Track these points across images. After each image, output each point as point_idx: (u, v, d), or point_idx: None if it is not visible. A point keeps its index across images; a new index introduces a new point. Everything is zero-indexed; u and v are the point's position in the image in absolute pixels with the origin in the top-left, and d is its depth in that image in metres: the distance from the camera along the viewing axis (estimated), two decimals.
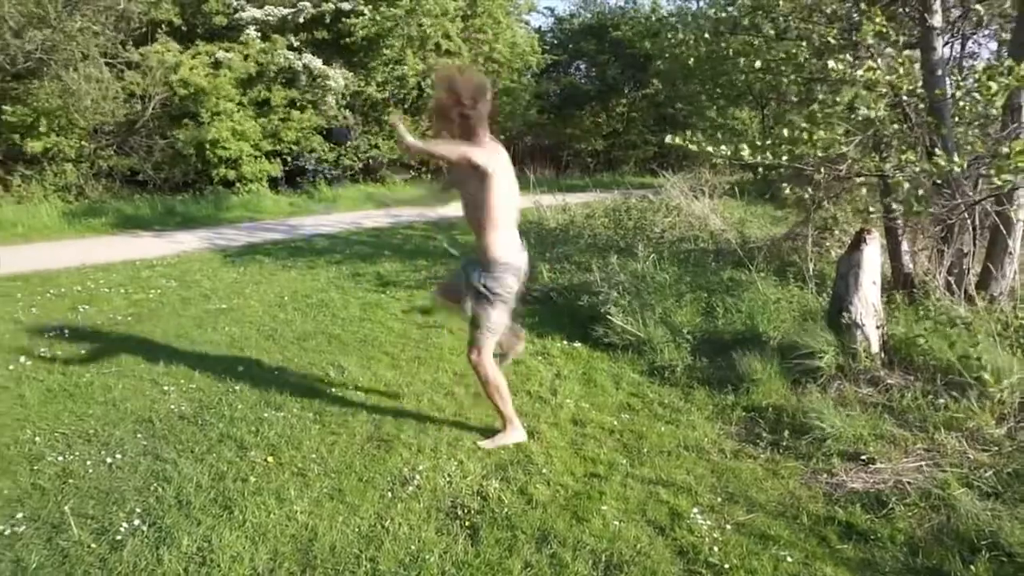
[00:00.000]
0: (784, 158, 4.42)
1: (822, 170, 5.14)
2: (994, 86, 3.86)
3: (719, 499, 2.83)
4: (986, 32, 6.27)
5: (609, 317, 4.72)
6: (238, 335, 4.87)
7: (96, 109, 10.36)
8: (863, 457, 3.08)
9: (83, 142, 10.98)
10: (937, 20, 4.79)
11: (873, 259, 4.00)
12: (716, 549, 2.47)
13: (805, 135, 4.23)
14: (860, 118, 4.64)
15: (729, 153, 4.36)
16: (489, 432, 3.37)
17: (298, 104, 13.28)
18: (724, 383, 3.97)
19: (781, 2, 5.60)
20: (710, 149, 4.38)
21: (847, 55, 4.62)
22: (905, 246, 5.38)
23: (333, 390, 3.86)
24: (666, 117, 22.62)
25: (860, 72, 4.36)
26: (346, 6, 13.33)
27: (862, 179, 5.44)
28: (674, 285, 5.41)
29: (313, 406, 3.64)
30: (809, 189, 5.35)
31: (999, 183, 3.71)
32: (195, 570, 2.31)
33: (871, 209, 5.96)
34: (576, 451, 3.24)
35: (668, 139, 4.67)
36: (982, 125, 5.14)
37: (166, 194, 12.03)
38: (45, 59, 9.90)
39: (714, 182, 10.93)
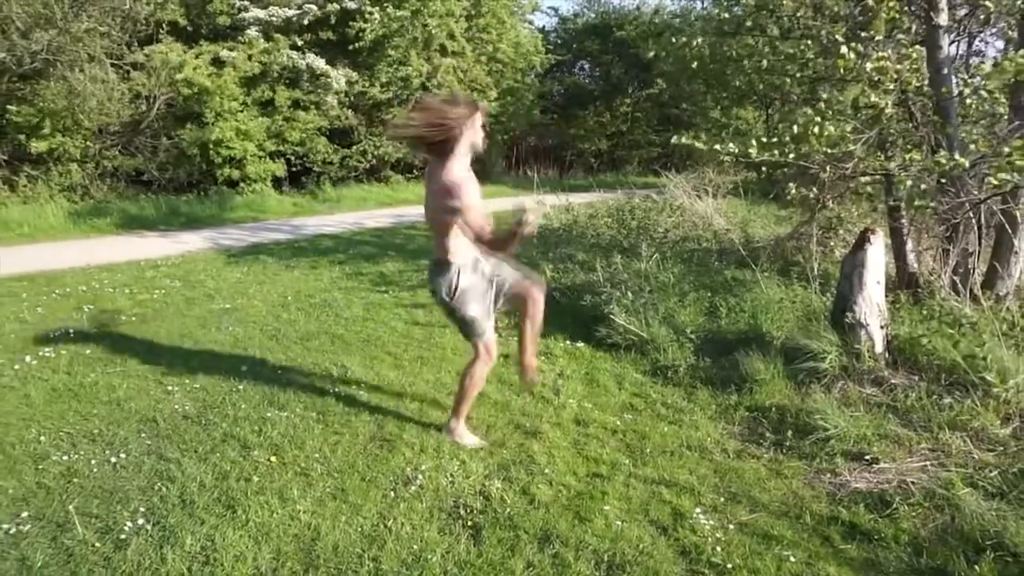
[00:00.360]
0: (791, 156, 4.40)
1: (827, 168, 5.14)
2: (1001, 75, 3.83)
3: (722, 499, 2.82)
4: (993, 30, 6.23)
5: (612, 317, 4.71)
6: (242, 335, 4.89)
7: (101, 110, 10.41)
8: (867, 457, 3.07)
9: (88, 142, 11.02)
10: (943, 18, 4.77)
11: (877, 259, 3.99)
12: (719, 549, 2.47)
13: (815, 129, 4.20)
14: (865, 115, 4.62)
15: (737, 151, 4.35)
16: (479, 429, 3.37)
17: (302, 104, 13.31)
18: (727, 383, 3.97)
19: (786, 1, 5.58)
20: (717, 147, 4.37)
21: (857, 46, 4.59)
22: (910, 245, 5.36)
23: (336, 390, 3.86)
24: (670, 117, 22.60)
25: (870, 65, 4.34)
26: (352, 6, 13.35)
27: (867, 178, 5.42)
28: (677, 285, 5.41)
29: (316, 406, 3.64)
30: (814, 188, 5.33)
31: (996, 182, 3.69)
32: (199, 569, 2.31)
33: (875, 207, 5.95)
34: (579, 451, 3.24)
35: (675, 139, 4.66)
36: (988, 124, 5.12)
37: (171, 194, 12.06)
38: (51, 60, 9.94)
39: (718, 182, 10.91)
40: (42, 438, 3.21)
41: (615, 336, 4.64)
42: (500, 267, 3.21)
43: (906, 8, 4.87)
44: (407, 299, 5.94)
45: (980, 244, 4.91)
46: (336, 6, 13.32)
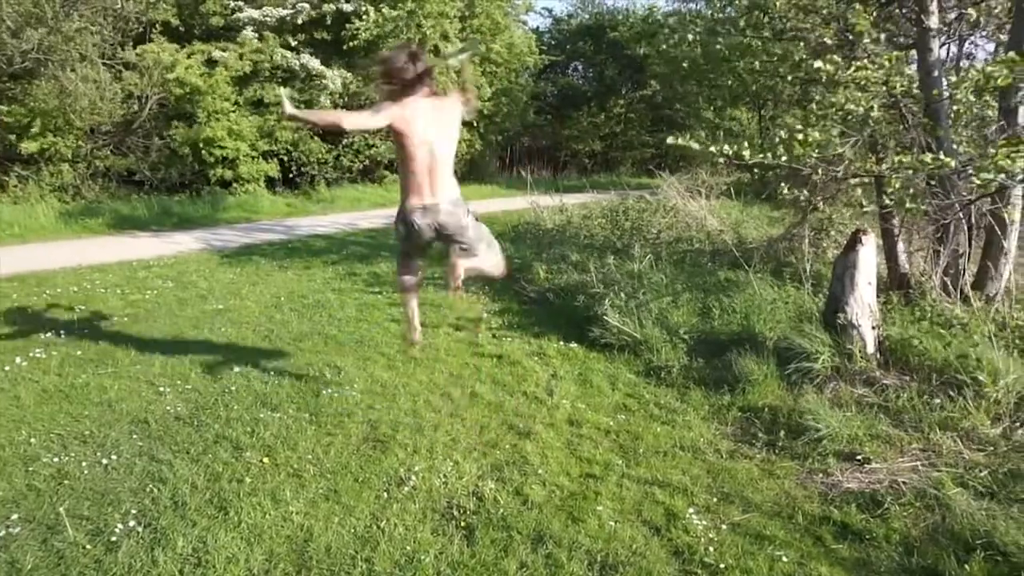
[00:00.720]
0: (782, 158, 4.42)
1: (818, 171, 5.16)
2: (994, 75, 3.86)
3: (715, 499, 2.83)
4: (983, 33, 6.27)
5: (605, 318, 4.72)
6: (234, 336, 4.87)
7: (93, 110, 10.36)
8: (858, 457, 3.09)
9: (80, 142, 10.96)
10: (934, 21, 4.80)
11: (869, 260, 4.01)
12: (712, 549, 2.47)
13: (800, 136, 4.24)
14: (854, 118, 4.65)
15: (731, 152, 4.37)
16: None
17: (295, 104, 13.27)
18: (720, 384, 3.98)
19: (778, 2, 5.61)
20: (712, 149, 4.39)
21: (838, 55, 4.62)
22: (901, 246, 5.39)
23: (329, 391, 3.85)
24: (664, 118, 22.65)
25: (851, 72, 4.37)
26: (348, 7, 13.33)
27: (858, 180, 5.45)
28: (670, 285, 5.42)
29: (309, 407, 3.64)
30: (805, 190, 5.35)
31: (979, 183, 3.71)
32: (190, 571, 2.30)
33: (866, 209, 5.98)
34: (572, 452, 3.24)
35: (669, 140, 4.67)
36: (978, 127, 5.15)
37: (163, 194, 12.02)
38: (42, 59, 9.89)
39: (711, 183, 10.94)
40: (32, 440, 3.19)
41: (608, 337, 4.64)
42: None
43: (894, 12, 4.90)
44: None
45: (970, 245, 4.94)
46: (332, 7, 13.29)
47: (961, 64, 6.27)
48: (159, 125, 12.21)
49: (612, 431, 3.47)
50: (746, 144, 4.34)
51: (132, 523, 2.55)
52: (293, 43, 13.37)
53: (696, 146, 4.39)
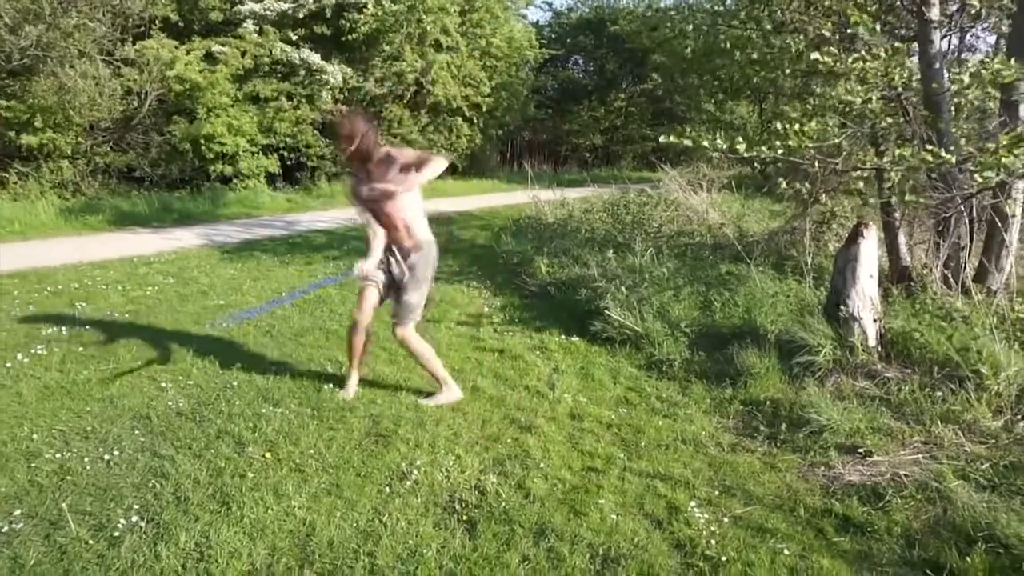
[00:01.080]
0: (780, 152, 4.41)
1: (817, 164, 5.15)
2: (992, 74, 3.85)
3: (716, 492, 2.83)
4: (984, 25, 6.25)
5: (607, 311, 4.72)
6: (236, 331, 4.87)
7: (92, 106, 10.34)
8: (860, 450, 3.09)
9: (79, 139, 10.95)
10: (935, 13, 4.78)
11: (870, 253, 4.00)
12: (713, 542, 2.48)
13: (796, 126, 4.22)
14: (853, 111, 4.64)
15: (725, 147, 4.36)
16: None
17: (293, 97, 13.24)
18: (722, 377, 3.98)
19: None
20: (705, 143, 4.38)
21: (835, 48, 4.61)
22: (902, 239, 5.39)
23: (331, 386, 3.86)
24: (664, 112, 22.62)
25: (849, 63, 4.35)
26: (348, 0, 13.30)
27: (859, 173, 5.44)
28: (672, 279, 5.42)
29: (311, 402, 3.64)
30: (806, 183, 5.34)
31: (981, 180, 3.70)
32: (193, 566, 2.31)
33: (867, 202, 5.97)
34: (574, 445, 3.25)
35: (663, 139, 4.65)
36: (980, 119, 5.14)
37: (163, 191, 12.02)
38: (41, 56, 9.87)
39: (712, 176, 10.94)
40: (35, 436, 3.20)
41: (610, 330, 4.64)
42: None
43: (895, 4, 4.88)
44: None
45: (971, 238, 4.94)
46: (332, 0, 13.25)
47: (962, 56, 6.25)
48: (159, 121, 12.20)
49: (614, 425, 3.48)
50: (740, 139, 4.34)
51: (135, 518, 2.55)
52: (293, 37, 13.33)
53: (689, 143, 4.38)
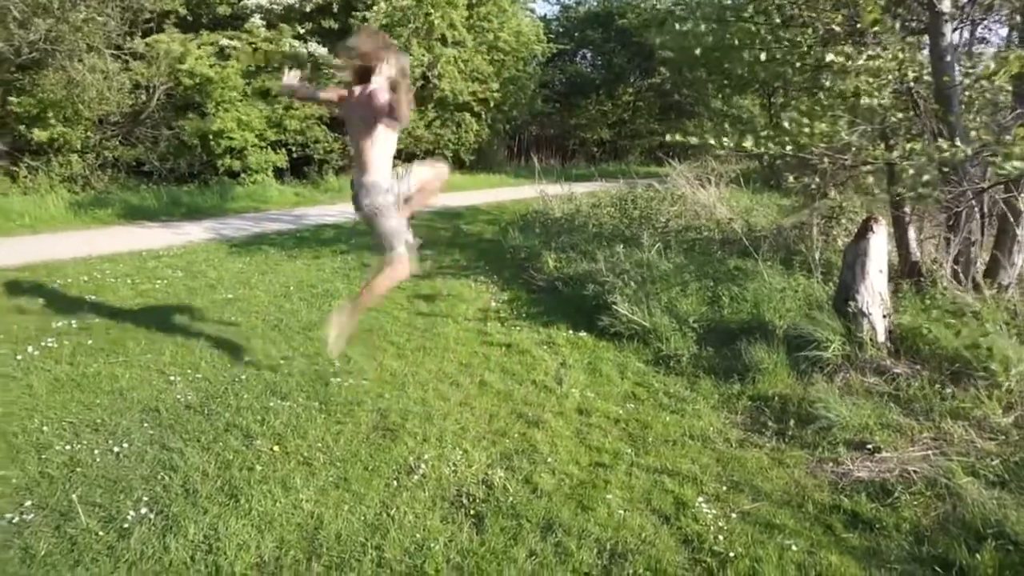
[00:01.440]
0: (788, 148, 4.38)
1: (826, 159, 5.11)
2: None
3: (724, 488, 2.83)
4: (996, 18, 6.18)
5: (615, 306, 4.71)
6: (244, 325, 4.89)
7: (101, 100, 10.37)
8: (869, 446, 3.08)
9: (89, 133, 10.99)
10: (946, 5, 4.73)
11: (880, 248, 3.98)
12: (721, 538, 2.48)
13: (806, 128, 4.20)
14: (864, 107, 4.60)
15: (733, 144, 4.33)
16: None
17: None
18: (730, 372, 3.97)
19: None
20: (712, 141, 4.35)
21: (847, 45, 4.57)
22: (912, 234, 5.35)
23: (338, 379, 3.87)
24: (672, 106, 22.50)
25: (862, 61, 4.31)
26: None
27: (868, 167, 5.40)
28: (679, 274, 5.40)
29: (319, 395, 3.65)
30: (815, 178, 5.31)
31: (1005, 171, 3.67)
32: (202, 558, 2.32)
33: (877, 197, 5.93)
34: (581, 440, 3.25)
35: (669, 138, 4.63)
36: (992, 112, 5.09)
37: (172, 184, 12.03)
38: (50, 50, 9.89)
39: (720, 171, 10.88)
40: (45, 428, 3.22)
41: (618, 325, 4.64)
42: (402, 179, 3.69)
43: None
44: (409, 289, 5.92)
45: (983, 233, 4.90)
46: None
47: (973, 49, 6.19)
48: (167, 116, 12.22)
49: (621, 420, 3.47)
50: (748, 136, 4.31)
51: (144, 510, 2.57)
52: (300, 31, 13.33)
53: (695, 141, 4.36)
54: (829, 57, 4.26)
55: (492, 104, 16.92)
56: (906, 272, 5.16)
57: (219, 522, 2.50)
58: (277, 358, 4.23)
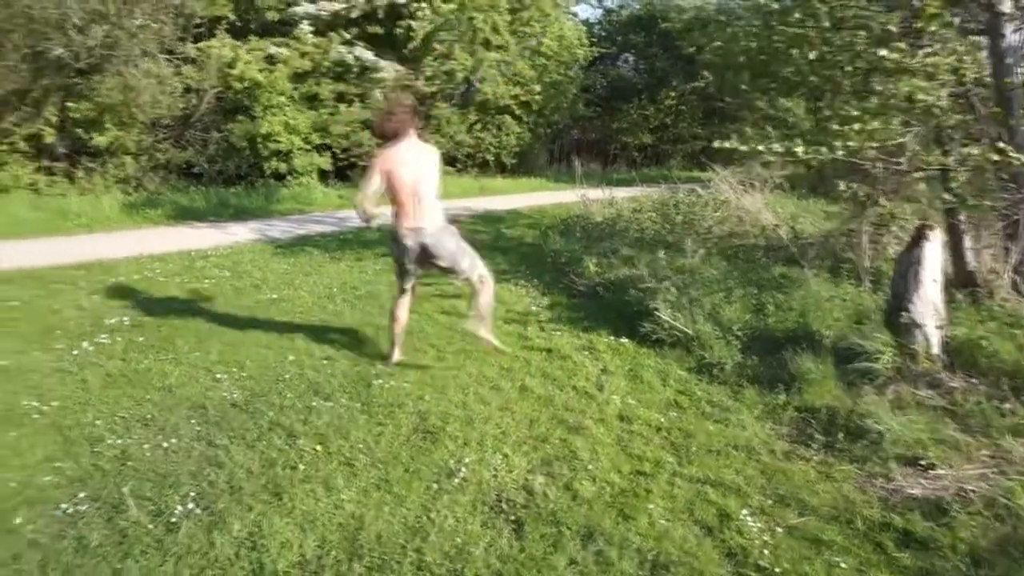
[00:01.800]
0: (839, 152, 4.27)
1: (879, 164, 4.97)
2: None
3: (770, 501, 2.76)
4: None
5: (657, 313, 4.65)
6: (288, 325, 4.96)
7: (154, 104, 10.68)
8: (922, 462, 2.97)
9: (142, 136, 11.33)
10: (1007, 5, 4.57)
11: (934, 256, 3.85)
12: (766, 552, 2.42)
13: (857, 125, 4.08)
14: (919, 108, 4.46)
15: (782, 151, 4.24)
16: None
17: (346, 97, 13.45)
18: (775, 382, 3.88)
19: None
20: (761, 148, 4.27)
21: (905, 43, 4.43)
22: (968, 243, 5.16)
23: (380, 381, 3.90)
24: (715, 110, 22.17)
25: (919, 58, 4.18)
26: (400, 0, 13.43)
27: (922, 173, 5.24)
28: (723, 281, 5.31)
29: (360, 396, 3.68)
30: (864, 184, 5.17)
31: None
32: (246, 555, 2.36)
33: (931, 204, 5.75)
34: (622, 448, 3.21)
35: (716, 143, 4.56)
36: None
37: (220, 186, 12.33)
38: (107, 55, 10.23)
39: (765, 176, 10.69)
40: (98, 422, 3.31)
41: (659, 332, 4.57)
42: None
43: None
44: (450, 291, 5.95)
45: None
46: (384, 0, 13.41)
47: None
48: (216, 119, 12.53)
49: (663, 428, 3.42)
50: (798, 141, 4.21)
51: (191, 505, 2.62)
52: (347, 37, 13.54)
53: (745, 149, 4.28)
54: (883, 52, 4.13)
55: (533, 108, 16.93)
56: (961, 282, 4.99)
57: (263, 520, 2.53)
58: (320, 358, 4.28)
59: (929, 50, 4.17)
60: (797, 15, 5.74)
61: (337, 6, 13.29)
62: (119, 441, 3.12)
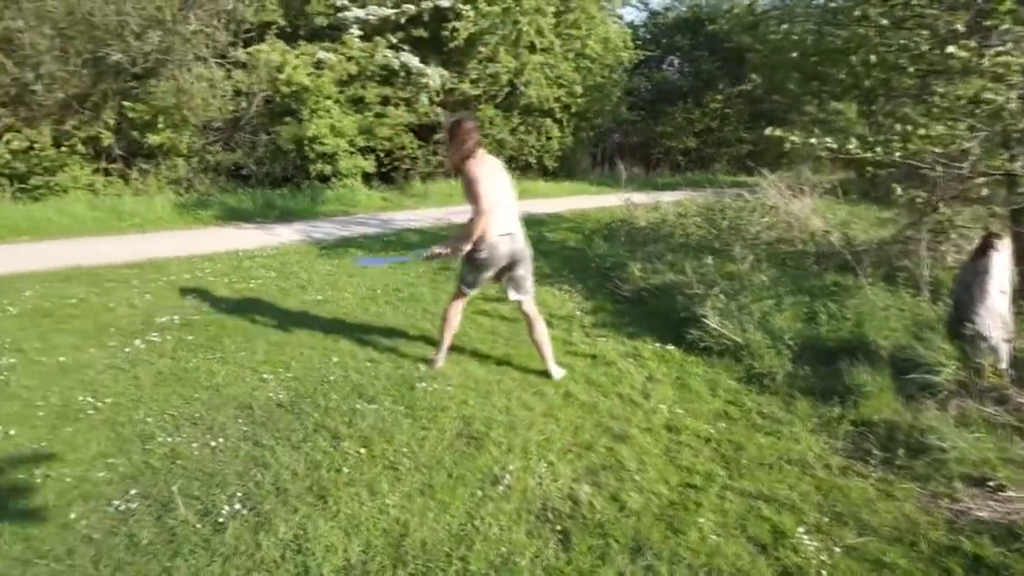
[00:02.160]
0: (897, 155, 4.11)
1: (939, 168, 4.77)
2: None
3: (826, 519, 2.65)
4: None
5: (704, 320, 4.54)
6: (332, 326, 5.00)
7: (206, 107, 10.94)
8: (991, 483, 2.82)
9: (193, 138, 11.61)
10: None
11: (1002, 266, 3.68)
12: (824, 573, 2.32)
13: (920, 130, 3.92)
14: (985, 112, 4.26)
15: (836, 146, 4.09)
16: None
17: (391, 101, 13.56)
18: (829, 394, 3.74)
19: None
20: (812, 141, 4.13)
21: (973, 41, 4.24)
22: None
23: (423, 385, 3.88)
24: (763, 113, 21.75)
25: (987, 60, 4.00)
26: (444, 3, 13.49)
27: (985, 179, 5.01)
28: (773, 288, 5.17)
29: (404, 399, 3.67)
30: (922, 190, 4.97)
31: None
32: (291, 557, 2.35)
33: (995, 212, 5.50)
34: (670, 459, 3.13)
35: (768, 131, 4.44)
36: None
37: (267, 188, 12.55)
38: (161, 59, 10.51)
39: (814, 181, 10.41)
40: (149, 419, 3.37)
41: (707, 340, 4.47)
42: None
43: None
44: (494, 295, 5.92)
45: None
46: (429, 3, 13.49)
47: None
48: (264, 122, 12.77)
49: (712, 439, 3.33)
50: (854, 138, 4.07)
51: (238, 505, 2.63)
52: (393, 41, 13.66)
53: (796, 139, 4.15)
54: (950, 49, 3.96)
55: (576, 111, 16.84)
56: None
57: (308, 522, 2.53)
58: (364, 360, 4.29)
59: (1000, 48, 3.97)
60: (857, 13, 5.57)
61: (386, 11, 13.41)
62: (169, 439, 3.17)
